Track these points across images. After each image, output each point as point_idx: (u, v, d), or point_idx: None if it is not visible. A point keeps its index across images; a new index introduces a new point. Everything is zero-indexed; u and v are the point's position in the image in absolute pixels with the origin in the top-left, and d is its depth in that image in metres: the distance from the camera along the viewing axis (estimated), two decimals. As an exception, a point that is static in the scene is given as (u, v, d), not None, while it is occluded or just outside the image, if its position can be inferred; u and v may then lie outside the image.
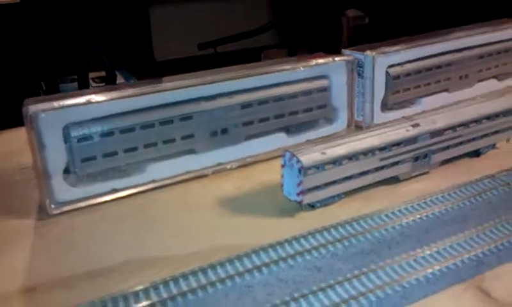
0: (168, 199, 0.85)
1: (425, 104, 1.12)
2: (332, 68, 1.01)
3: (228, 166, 0.94)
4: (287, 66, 0.98)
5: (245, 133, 0.95)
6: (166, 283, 0.63)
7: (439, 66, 1.14)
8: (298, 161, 0.76)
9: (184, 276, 0.64)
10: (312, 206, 0.80)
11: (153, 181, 0.87)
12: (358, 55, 1.04)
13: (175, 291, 0.62)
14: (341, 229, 0.74)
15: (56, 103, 0.79)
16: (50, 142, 0.79)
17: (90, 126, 0.82)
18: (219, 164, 0.93)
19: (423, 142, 0.86)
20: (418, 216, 0.77)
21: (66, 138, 0.80)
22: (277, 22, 1.90)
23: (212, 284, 0.63)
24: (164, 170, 0.88)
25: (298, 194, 0.77)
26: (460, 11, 1.55)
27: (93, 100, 0.82)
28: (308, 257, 0.68)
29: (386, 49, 1.05)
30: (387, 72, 1.05)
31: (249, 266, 0.66)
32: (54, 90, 1.38)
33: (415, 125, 0.85)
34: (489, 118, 0.92)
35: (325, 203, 0.81)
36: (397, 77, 1.07)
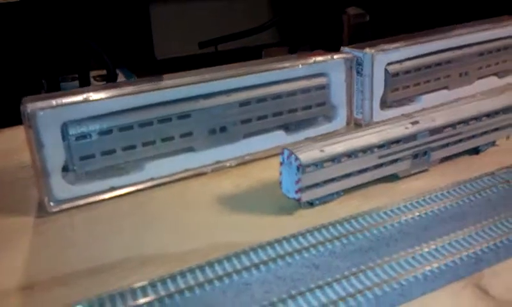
0: (166, 197, 0.85)
1: (425, 102, 1.12)
2: (331, 65, 1.01)
3: (227, 164, 0.93)
4: (286, 64, 0.98)
5: (244, 131, 0.95)
6: (163, 281, 0.63)
7: (438, 64, 1.13)
8: (296, 158, 0.76)
9: (182, 274, 0.64)
10: (310, 204, 0.80)
11: (152, 179, 0.87)
12: (357, 52, 1.04)
13: (172, 288, 0.62)
14: (339, 227, 0.74)
15: (53, 102, 0.79)
16: (49, 141, 0.79)
17: (88, 124, 0.82)
18: (217, 162, 0.93)
19: (422, 139, 0.85)
20: (417, 214, 0.77)
21: (65, 136, 0.81)
22: (278, 20, 1.90)
23: (210, 281, 0.63)
24: (163, 168, 0.88)
25: (297, 192, 0.77)
26: (461, 8, 1.55)
27: (91, 98, 0.82)
28: (306, 255, 0.68)
29: (385, 47, 1.05)
30: (386, 70, 1.05)
31: (247, 264, 0.66)
32: (55, 88, 1.38)
33: (414, 123, 0.85)
34: (488, 115, 0.92)
35: (324, 200, 0.81)
36: (396, 74, 1.07)
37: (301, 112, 1.01)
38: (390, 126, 0.84)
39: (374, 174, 0.83)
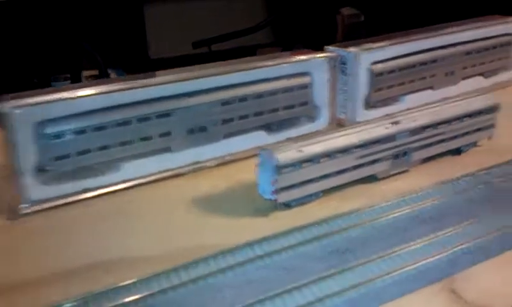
0: (142, 198, 0.84)
1: (409, 102, 1.10)
2: (314, 64, 1.00)
3: (207, 165, 0.92)
4: (268, 63, 0.97)
5: (224, 131, 0.94)
6: (134, 285, 0.62)
7: (423, 63, 1.12)
8: (274, 159, 0.75)
9: (149, 279, 0.63)
10: (287, 206, 0.79)
11: (128, 180, 0.86)
12: (341, 51, 1.02)
13: (143, 293, 0.61)
14: (315, 229, 0.72)
15: (28, 100, 0.78)
16: (22, 140, 0.78)
17: (64, 123, 0.80)
18: (197, 163, 0.91)
19: (402, 140, 0.84)
20: (395, 215, 0.76)
21: (38, 135, 0.79)
22: (272, 20, 1.89)
23: (176, 286, 0.62)
24: (140, 169, 0.87)
25: (273, 193, 0.76)
26: (455, 7, 1.53)
27: (67, 97, 0.80)
28: (278, 257, 0.67)
29: (370, 46, 1.04)
30: (370, 69, 1.04)
31: (217, 267, 0.64)
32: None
33: (395, 123, 0.84)
34: (470, 115, 0.90)
35: (301, 201, 0.79)
36: (380, 74, 1.05)
37: (283, 111, 0.99)
38: (370, 126, 0.83)
39: (353, 175, 0.82)
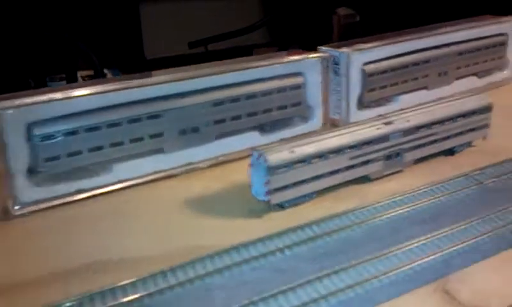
0: (135, 199, 0.83)
1: (403, 102, 1.10)
2: (306, 65, 1.00)
3: (200, 166, 0.92)
4: (261, 63, 0.97)
5: (216, 132, 0.93)
6: (123, 287, 0.61)
7: (416, 63, 1.12)
8: (265, 160, 0.74)
9: (142, 280, 0.62)
10: (281, 207, 0.79)
11: (120, 181, 0.85)
12: (333, 52, 1.02)
13: (130, 296, 0.60)
14: (308, 230, 0.72)
15: (18, 101, 0.78)
16: (13, 141, 0.77)
17: (54, 124, 0.80)
18: (189, 164, 0.91)
19: (395, 140, 0.84)
20: (388, 215, 0.76)
21: (30, 136, 0.78)
22: (268, 20, 1.88)
23: (170, 288, 0.61)
24: (132, 170, 0.87)
25: (266, 194, 0.76)
26: (451, 7, 1.54)
27: (58, 98, 0.80)
28: (272, 259, 0.66)
29: (362, 46, 1.04)
30: (362, 69, 1.04)
31: (210, 269, 0.64)
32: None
33: (388, 123, 0.84)
34: (464, 115, 0.90)
35: (295, 202, 0.79)
36: (372, 74, 1.05)
37: (276, 112, 0.99)
38: (362, 127, 0.83)
39: (346, 176, 0.82)
